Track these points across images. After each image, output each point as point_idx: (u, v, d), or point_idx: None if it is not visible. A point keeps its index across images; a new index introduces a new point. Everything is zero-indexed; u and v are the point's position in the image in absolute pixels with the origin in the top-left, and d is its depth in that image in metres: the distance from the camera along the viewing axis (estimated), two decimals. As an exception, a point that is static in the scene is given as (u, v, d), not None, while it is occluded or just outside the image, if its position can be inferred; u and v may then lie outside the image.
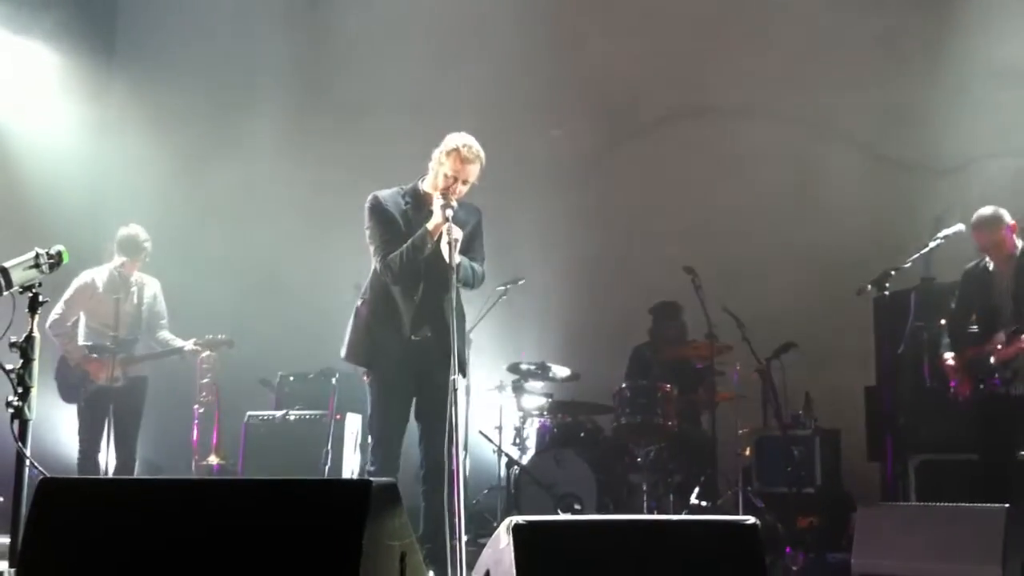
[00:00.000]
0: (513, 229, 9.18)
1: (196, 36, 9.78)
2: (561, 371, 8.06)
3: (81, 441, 7.24)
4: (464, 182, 5.20)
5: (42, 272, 4.20)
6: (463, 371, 5.01)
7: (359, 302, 5.36)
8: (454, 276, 4.90)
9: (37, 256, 4.20)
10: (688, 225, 9.09)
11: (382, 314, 5.27)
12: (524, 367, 8.01)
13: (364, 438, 7.84)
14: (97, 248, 7.61)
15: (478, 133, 5.29)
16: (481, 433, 7.96)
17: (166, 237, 8.05)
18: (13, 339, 4.08)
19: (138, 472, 7.36)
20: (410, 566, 3.17)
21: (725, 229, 9.10)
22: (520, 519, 3.38)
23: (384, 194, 5.33)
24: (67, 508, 3.02)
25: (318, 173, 9.54)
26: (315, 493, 3.14)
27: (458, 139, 5.22)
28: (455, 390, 4.71)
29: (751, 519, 3.61)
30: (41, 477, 3.35)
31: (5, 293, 4.11)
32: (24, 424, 3.98)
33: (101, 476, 6.86)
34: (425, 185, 5.30)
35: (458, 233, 5.02)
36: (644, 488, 7.35)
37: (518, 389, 7.94)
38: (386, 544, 3.07)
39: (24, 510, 3.62)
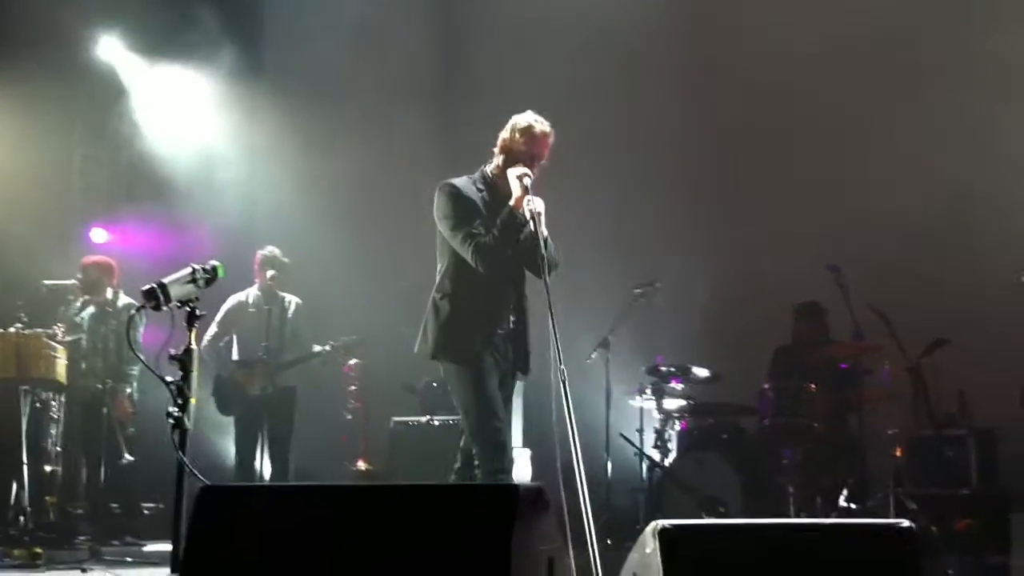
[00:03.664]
0: (647, 230, 9.11)
1: (339, 50, 9.93)
2: (702, 372, 7.97)
3: (238, 450, 7.56)
4: (539, 158, 5.07)
5: (198, 287, 4.36)
6: (528, 365, 5.07)
7: (437, 296, 5.06)
8: (543, 253, 4.73)
9: (193, 271, 4.36)
10: (829, 222, 8.86)
11: (469, 307, 4.98)
12: (664, 369, 7.94)
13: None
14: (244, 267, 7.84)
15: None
16: (622, 436, 7.92)
17: (307, 248, 8.28)
18: (172, 352, 4.25)
19: (291, 478, 7.59)
20: (558, 572, 3.19)
21: (869, 224, 8.84)
22: (666, 523, 3.36)
23: (459, 182, 5.13)
24: (227, 514, 3.13)
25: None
26: (462, 498, 3.17)
27: (528, 117, 5.12)
28: (563, 380, 4.52)
29: (906, 522, 3.51)
30: (202, 485, 3.48)
31: (164, 308, 4.30)
32: (184, 433, 4.14)
33: (258, 483, 7.11)
34: (491, 169, 5.14)
35: (540, 205, 4.89)
36: (790, 491, 7.22)
37: (658, 391, 7.88)
38: (534, 549, 3.08)
39: (184, 517, 3.77)
